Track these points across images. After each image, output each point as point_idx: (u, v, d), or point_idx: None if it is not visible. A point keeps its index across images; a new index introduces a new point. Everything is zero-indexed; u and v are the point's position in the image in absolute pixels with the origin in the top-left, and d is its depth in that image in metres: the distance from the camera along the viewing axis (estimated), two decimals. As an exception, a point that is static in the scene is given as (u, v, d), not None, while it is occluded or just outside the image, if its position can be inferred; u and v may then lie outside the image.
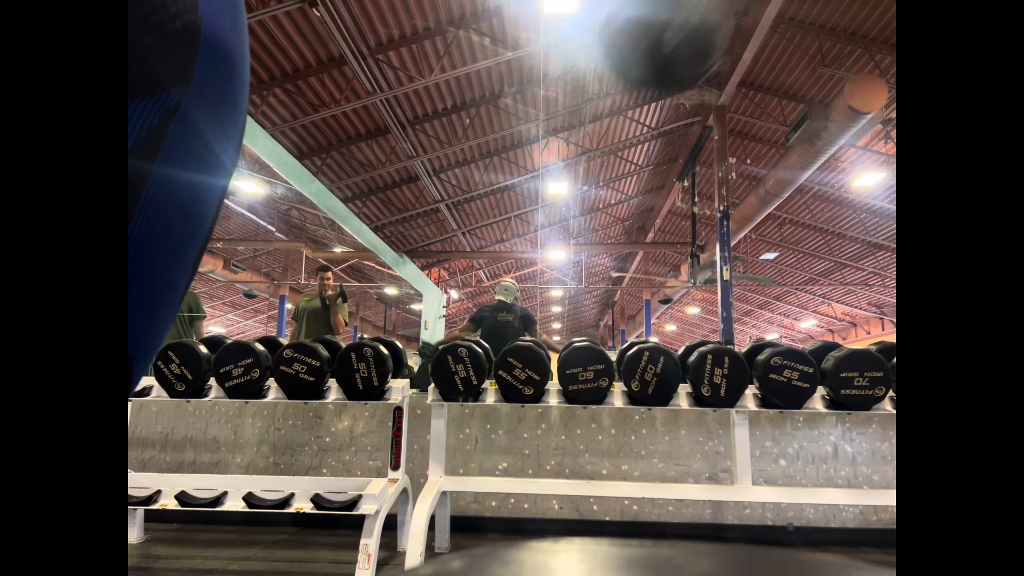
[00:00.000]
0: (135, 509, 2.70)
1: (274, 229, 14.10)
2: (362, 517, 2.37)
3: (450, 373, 2.64)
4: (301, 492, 2.48)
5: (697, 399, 2.57)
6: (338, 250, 15.16)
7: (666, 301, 17.65)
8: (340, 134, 10.19)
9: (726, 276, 9.26)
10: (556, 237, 16.53)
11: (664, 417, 3.21)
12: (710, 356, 2.54)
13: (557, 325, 28.61)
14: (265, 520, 3.16)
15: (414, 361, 10.39)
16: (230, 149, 0.45)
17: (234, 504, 2.45)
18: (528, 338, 3.94)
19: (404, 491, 2.74)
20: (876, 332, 20.64)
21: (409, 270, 11.32)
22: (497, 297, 5.17)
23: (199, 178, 0.41)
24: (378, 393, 2.66)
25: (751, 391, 2.62)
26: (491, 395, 2.68)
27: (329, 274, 5.19)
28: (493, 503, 3.19)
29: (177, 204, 0.39)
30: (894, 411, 2.61)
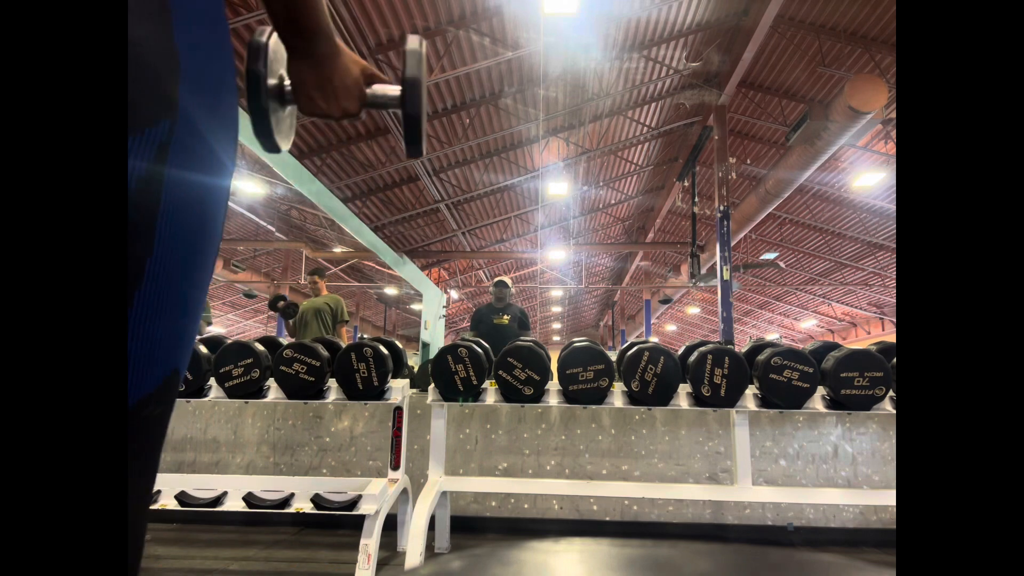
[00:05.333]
0: (135, 509, 2.70)
1: (274, 229, 14.10)
2: (362, 517, 2.37)
3: (450, 373, 2.64)
4: (301, 492, 2.48)
5: (697, 399, 2.57)
6: (338, 250, 15.16)
7: (666, 301, 17.65)
8: (340, 134, 10.19)
9: (726, 276, 9.26)
10: (556, 237, 16.53)
11: (664, 417, 3.21)
12: (710, 356, 2.54)
13: (557, 325, 28.60)
14: (265, 520, 3.16)
15: (414, 361, 10.38)
16: (228, 159, 0.47)
17: (234, 504, 2.45)
18: (528, 338, 3.94)
19: (404, 491, 2.74)
20: (876, 332, 20.64)
21: (409, 270, 11.31)
22: (492, 297, 5.18)
23: (203, 197, 0.43)
24: (378, 393, 2.66)
25: (751, 391, 2.62)
26: (491, 395, 2.68)
27: (315, 277, 5.27)
28: (493, 503, 3.19)
29: (189, 226, 0.41)
30: (894, 411, 2.61)
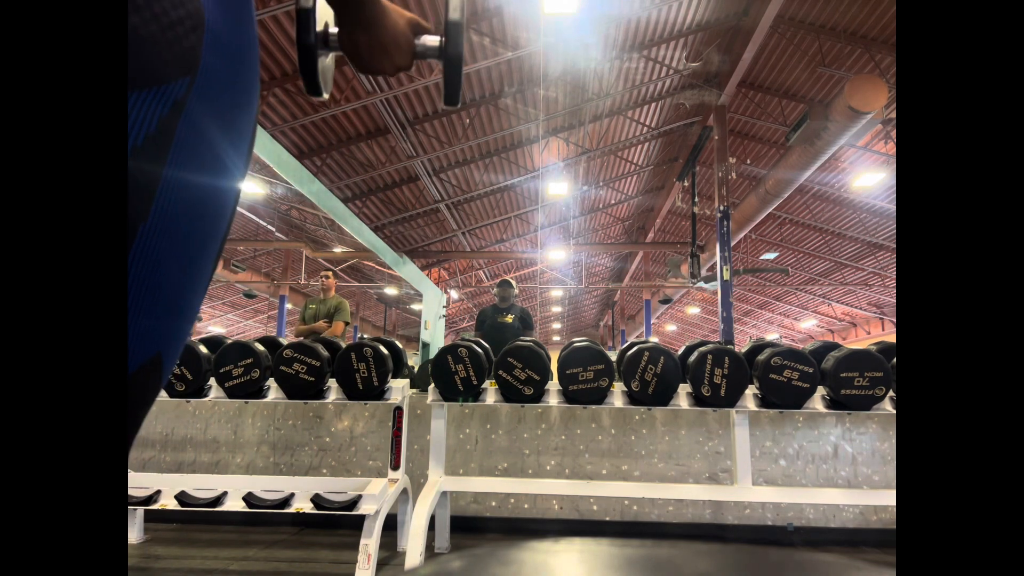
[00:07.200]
0: (135, 509, 2.70)
1: (274, 229, 14.10)
2: (362, 517, 2.37)
3: (450, 373, 2.63)
4: (301, 492, 2.48)
5: (697, 399, 2.57)
6: (338, 250, 15.16)
7: (666, 301, 17.65)
8: (340, 134, 10.19)
9: (726, 276, 9.26)
10: (556, 237, 16.53)
11: (664, 417, 3.21)
12: (710, 356, 2.54)
13: (557, 325, 28.60)
14: (265, 520, 3.16)
15: (414, 361, 10.37)
16: (243, 139, 0.44)
17: (234, 504, 2.45)
18: (528, 338, 3.94)
19: (404, 491, 2.74)
20: (876, 332, 20.64)
21: (409, 270, 11.32)
22: (496, 298, 5.19)
23: (214, 168, 0.40)
24: (378, 393, 2.66)
25: (751, 391, 2.62)
26: (491, 395, 2.68)
27: (329, 273, 5.21)
28: (493, 503, 3.19)
29: (194, 195, 0.39)
30: (894, 411, 2.61)
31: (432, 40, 0.73)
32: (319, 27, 0.67)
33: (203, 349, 2.68)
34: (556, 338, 29.93)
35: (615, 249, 18.22)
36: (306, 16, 0.65)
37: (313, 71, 0.68)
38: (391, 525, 2.77)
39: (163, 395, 2.64)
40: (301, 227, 14.52)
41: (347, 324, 5.06)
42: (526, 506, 3.18)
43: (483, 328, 5.08)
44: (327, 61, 0.70)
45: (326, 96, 0.72)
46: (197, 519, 3.18)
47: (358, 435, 3.29)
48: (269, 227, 13.88)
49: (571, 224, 15.91)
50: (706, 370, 2.53)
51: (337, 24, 0.68)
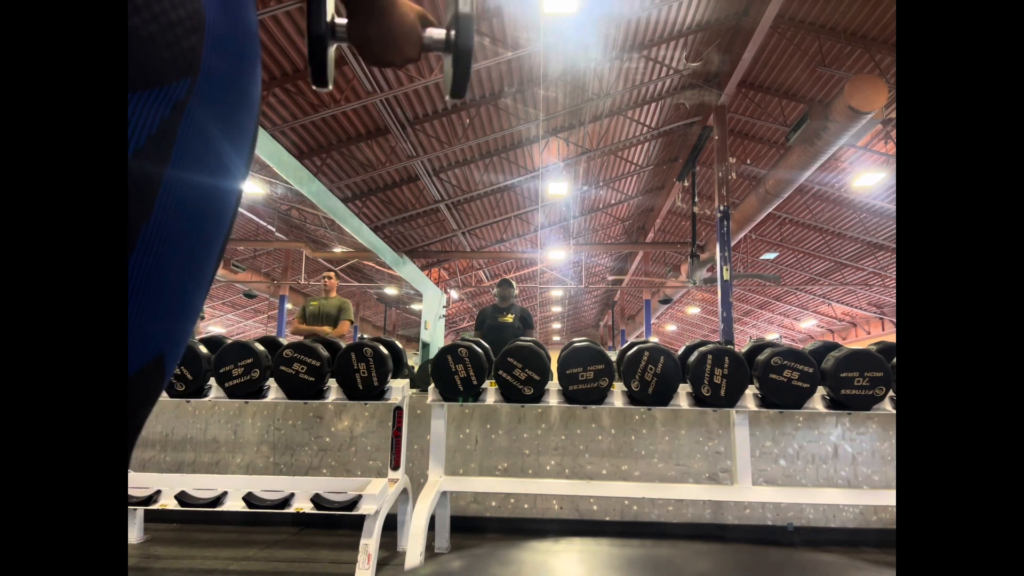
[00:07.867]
0: (135, 509, 2.70)
1: (274, 229, 14.10)
2: (362, 517, 2.37)
3: (450, 373, 2.63)
4: (301, 492, 2.48)
5: (697, 399, 2.57)
6: (338, 250, 15.16)
7: (666, 301, 17.65)
8: (340, 134, 10.19)
9: (726, 276, 9.26)
10: (556, 237, 16.53)
11: (664, 417, 3.21)
12: (710, 356, 2.54)
13: (557, 325, 28.60)
14: (265, 520, 3.16)
15: (414, 361, 10.37)
16: (245, 140, 0.44)
17: (234, 504, 2.45)
18: (528, 338, 3.93)
19: (404, 491, 2.74)
20: (876, 332, 20.64)
21: (409, 270, 11.32)
22: (496, 298, 5.19)
23: (216, 169, 0.40)
24: (378, 393, 2.66)
25: (751, 391, 2.62)
26: (491, 395, 2.68)
27: (331, 274, 5.22)
28: (493, 503, 3.19)
29: (196, 196, 0.39)
30: (894, 411, 2.61)
31: (439, 33, 0.73)
32: (327, 17, 0.68)
33: (203, 349, 2.68)
34: (556, 338, 29.93)
35: (615, 249, 18.22)
36: (318, 5, 0.66)
37: (323, 61, 0.68)
38: (391, 525, 2.77)
39: (163, 395, 2.64)
40: (301, 227, 14.52)
41: (352, 323, 5.08)
42: (526, 506, 3.18)
43: (483, 328, 5.08)
44: (331, 52, 0.71)
45: (330, 87, 0.73)
46: (197, 519, 3.18)
47: (358, 435, 3.29)
48: (269, 227, 13.87)
49: (571, 224, 15.91)
50: (706, 370, 2.53)
51: (347, 14, 0.69)
